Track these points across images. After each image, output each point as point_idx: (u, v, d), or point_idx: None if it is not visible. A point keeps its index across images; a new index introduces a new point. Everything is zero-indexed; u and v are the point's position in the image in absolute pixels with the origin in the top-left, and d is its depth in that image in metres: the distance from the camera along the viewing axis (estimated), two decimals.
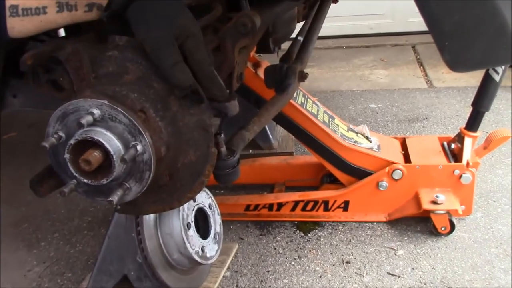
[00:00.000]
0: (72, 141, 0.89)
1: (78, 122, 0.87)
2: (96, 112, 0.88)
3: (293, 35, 1.91)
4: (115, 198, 0.90)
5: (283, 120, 1.99)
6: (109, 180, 0.90)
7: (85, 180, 0.91)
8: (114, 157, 0.88)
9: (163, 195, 1.05)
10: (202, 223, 1.53)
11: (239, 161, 1.10)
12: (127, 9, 0.84)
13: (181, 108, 0.95)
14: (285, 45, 1.99)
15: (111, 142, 0.88)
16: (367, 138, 2.10)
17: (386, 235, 1.95)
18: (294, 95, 1.95)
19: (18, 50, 1.38)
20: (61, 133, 0.91)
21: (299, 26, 1.97)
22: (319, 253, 1.89)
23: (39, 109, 1.36)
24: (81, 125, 0.87)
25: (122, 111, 0.88)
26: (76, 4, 0.79)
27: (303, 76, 1.54)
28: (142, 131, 0.89)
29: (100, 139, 0.87)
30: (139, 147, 0.89)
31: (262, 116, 1.31)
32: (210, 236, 1.52)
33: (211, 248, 1.51)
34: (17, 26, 0.75)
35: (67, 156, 0.89)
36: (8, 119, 3.06)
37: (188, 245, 1.39)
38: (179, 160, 0.99)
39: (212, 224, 1.54)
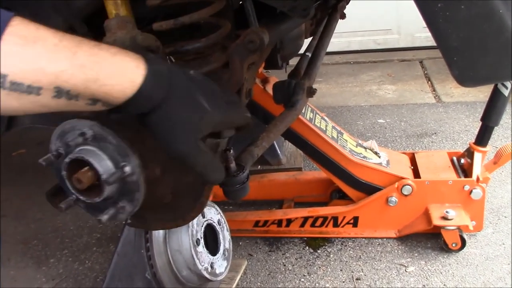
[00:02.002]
0: (67, 160, 0.89)
1: (72, 141, 0.88)
2: (88, 132, 0.89)
3: (301, 51, 1.92)
4: (104, 217, 0.90)
5: (292, 136, 2.00)
6: (101, 198, 0.90)
7: (81, 198, 0.91)
8: (103, 177, 0.88)
9: (169, 213, 1.05)
10: (211, 240, 1.52)
11: (248, 177, 1.10)
12: (146, 120, 0.76)
13: None
14: (293, 61, 2.00)
15: (102, 162, 0.88)
16: (376, 153, 2.10)
17: (396, 251, 1.94)
18: (303, 111, 1.95)
19: None
20: (61, 150, 0.92)
21: (306, 42, 1.98)
22: (329, 269, 1.87)
23: (49, 126, 1.37)
24: (75, 144, 0.88)
25: (111, 133, 0.88)
26: (78, 96, 0.66)
27: (311, 92, 1.54)
28: (130, 152, 0.88)
29: (90, 159, 0.87)
30: (126, 169, 0.88)
31: (270, 132, 1.31)
32: (219, 252, 1.51)
33: (220, 264, 1.50)
34: None
35: (64, 173, 0.90)
36: (17, 137, 3.08)
37: (197, 261, 1.38)
38: (179, 180, 0.99)
39: (221, 241, 1.53)
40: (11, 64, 0.57)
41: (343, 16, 2.17)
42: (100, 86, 0.66)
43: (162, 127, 0.76)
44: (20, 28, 0.58)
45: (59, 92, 0.63)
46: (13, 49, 0.57)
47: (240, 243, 2.06)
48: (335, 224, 2.03)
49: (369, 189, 1.99)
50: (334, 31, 2.00)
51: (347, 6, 2.18)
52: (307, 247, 2.01)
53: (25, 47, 0.58)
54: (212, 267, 1.45)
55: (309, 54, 1.77)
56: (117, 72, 0.67)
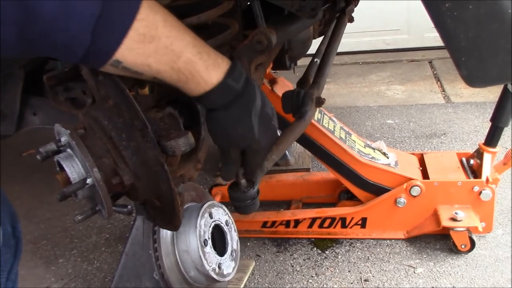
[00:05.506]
0: (55, 159, 0.90)
1: (55, 144, 0.90)
2: (63, 139, 0.90)
3: (309, 51, 1.92)
4: (78, 218, 0.92)
5: (300, 137, 1.99)
6: (79, 199, 0.92)
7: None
8: (73, 182, 0.88)
9: (162, 216, 1.05)
10: (219, 240, 1.52)
11: (258, 192, 1.10)
12: (207, 112, 0.90)
13: (143, 140, 0.93)
14: (301, 62, 2.00)
15: (74, 168, 0.89)
16: (384, 154, 2.09)
17: (404, 252, 1.93)
18: None
19: (37, 70, 1.41)
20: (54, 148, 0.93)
21: (315, 42, 1.98)
22: (337, 270, 1.87)
23: None
24: (57, 147, 0.89)
25: (79, 145, 0.88)
26: (167, 81, 0.82)
27: (320, 102, 1.53)
28: (92, 167, 0.88)
29: (64, 165, 0.89)
30: (88, 181, 0.88)
31: (280, 144, 1.30)
32: (227, 253, 1.51)
33: (228, 265, 1.50)
34: (108, 70, 0.76)
35: (57, 170, 0.91)
36: (27, 137, 3.10)
37: (205, 262, 1.38)
38: (158, 188, 0.97)
39: (229, 241, 1.53)
40: (128, 56, 0.73)
41: (351, 20, 2.16)
42: (186, 86, 0.83)
43: (213, 124, 0.92)
44: (142, 26, 0.71)
45: (155, 79, 0.80)
46: (132, 46, 0.72)
47: (248, 244, 2.06)
48: (343, 225, 2.03)
49: (377, 190, 1.99)
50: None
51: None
52: (315, 248, 2.00)
53: (141, 44, 0.72)
54: (219, 267, 1.45)
55: (318, 60, 1.76)
56: (202, 82, 0.82)
